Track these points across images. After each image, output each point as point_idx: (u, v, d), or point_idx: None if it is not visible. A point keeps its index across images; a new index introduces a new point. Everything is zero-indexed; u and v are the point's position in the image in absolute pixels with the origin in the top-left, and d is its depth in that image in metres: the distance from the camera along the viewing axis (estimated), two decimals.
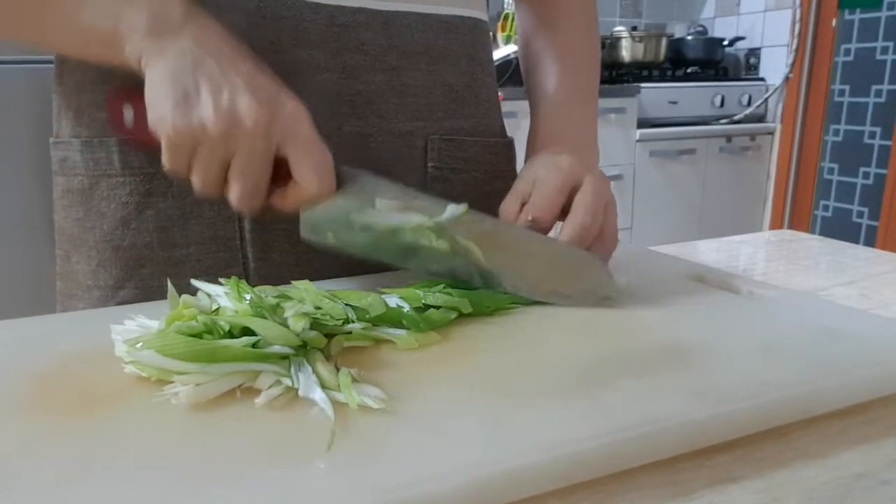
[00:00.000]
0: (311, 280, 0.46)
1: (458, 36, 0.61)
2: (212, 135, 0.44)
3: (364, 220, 0.48)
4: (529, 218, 0.53)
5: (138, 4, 0.46)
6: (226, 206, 0.55)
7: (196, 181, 0.46)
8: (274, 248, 0.57)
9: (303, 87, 0.54)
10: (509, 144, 0.70)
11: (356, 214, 0.48)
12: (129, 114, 0.50)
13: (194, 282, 0.44)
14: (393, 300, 0.44)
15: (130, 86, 0.47)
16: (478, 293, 0.47)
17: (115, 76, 0.50)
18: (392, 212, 0.47)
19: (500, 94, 0.71)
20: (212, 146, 0.44)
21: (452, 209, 0.48)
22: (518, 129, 2.55)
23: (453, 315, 0.44)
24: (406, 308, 0.43)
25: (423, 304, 0.44)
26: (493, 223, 0.51)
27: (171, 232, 0.56)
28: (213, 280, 0.45)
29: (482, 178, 0.64)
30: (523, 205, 0.54)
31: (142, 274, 0.56)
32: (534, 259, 0.50)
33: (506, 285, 0.49)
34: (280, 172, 0.46)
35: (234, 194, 0.46)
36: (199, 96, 0.44)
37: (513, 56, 2.45)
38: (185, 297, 0.41)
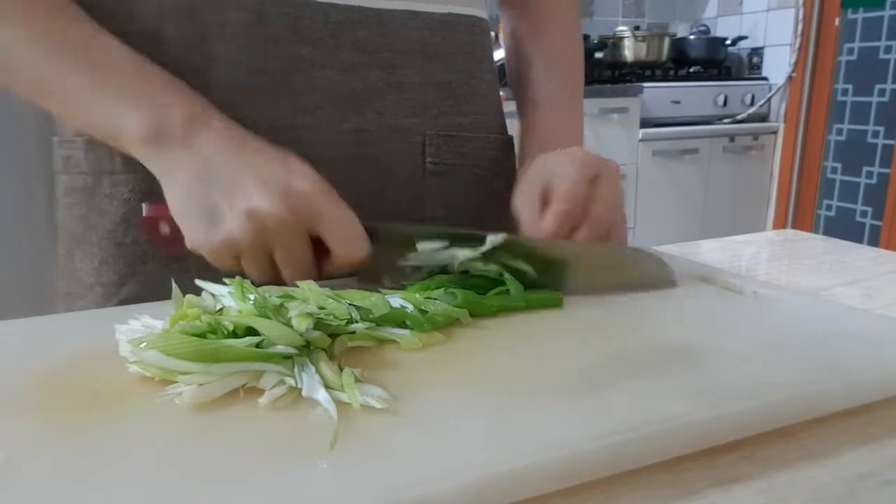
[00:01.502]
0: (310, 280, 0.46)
1: (454, 34, 0.61)
2: (244, 244, 0.46)
3: (411, 264, 0.49)
4: (562, 209, 0.52)
5: (139, 110, 0.48)
6: None
7: (251, 276, 0.48)
8: None
9: (302, 84, 0.55)
10: (509, 142, 0.70)
11: (402, 261, 0.49)
12: (165, 229, 0.51)
13: (198, 281, 0.44)
14: (396, 301, 0.44)
15: (157, 203, 0.50)
16: (478, 295, 0.47)
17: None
18: (435, 252, 0.49)
19: (501, 93, 0.71)
20: (249, 250, 0.47)
21: (492, 239, 0.49)
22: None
23: (457, 315, 0.44)
24: (409, 308, 0.43)
25: (422, 309, 0.44)
26: (534, 243, 0.52)
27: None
28: (216, 276, 0.45)
29: (481, 174, 0.64)
30: (542, 202, 0.54)
31: (144, 270, 0.57)
32: (583, 262, 0.51)
33: (563, 288, 0.50)
34: (321, 243, 0.48)
35: (288, 278, 0.48)
36: (218, 211, 0.46)
37: None
38: (189, 296, 0.41)
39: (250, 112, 0.53)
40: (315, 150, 0.55)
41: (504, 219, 0.66)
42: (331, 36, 0.55)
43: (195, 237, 0.47)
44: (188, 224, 0.47)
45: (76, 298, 0.60)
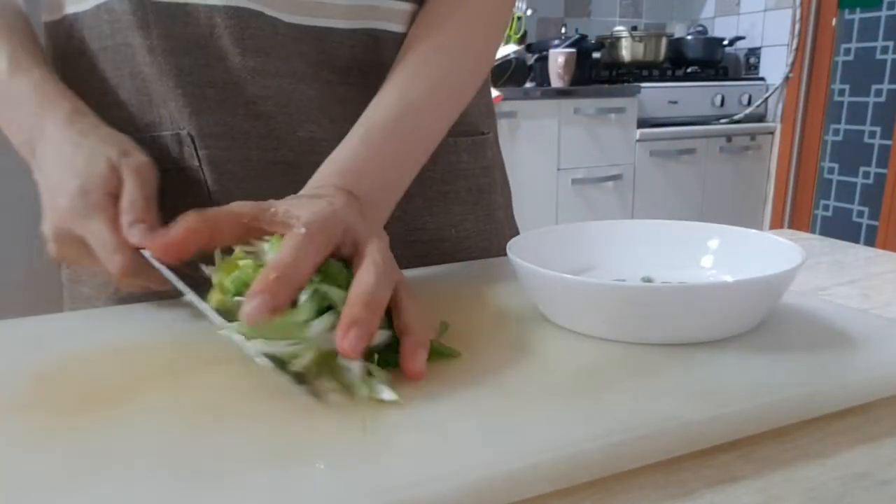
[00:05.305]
0: None
1: (388, 51, 0.60)
2: (57, 235, 0.48)
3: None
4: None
5: (12, 137, 0.53)
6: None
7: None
8: None
9: (255, 93, 0.55)
10: (477, 143, 0.68)
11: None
12: None
13: (204, 267, 0.44)
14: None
15: None
16: None
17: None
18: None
19: (497, 94, 0.69)
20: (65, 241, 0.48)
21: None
22: (518, 128, 2.52)
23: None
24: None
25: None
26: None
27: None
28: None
29: (438, 177, 0.65)
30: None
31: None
32: None
33: None
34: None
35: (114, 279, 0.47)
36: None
37: (512, 56, 2.45)
38: (238, 248, 0.41)
39: (206, 121, 0.55)
40: (269, 156, 0.57)
41: (474, 220, 0.66)
42: (280, 46, 0.56)
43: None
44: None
45: (79, 285, 0.62)
